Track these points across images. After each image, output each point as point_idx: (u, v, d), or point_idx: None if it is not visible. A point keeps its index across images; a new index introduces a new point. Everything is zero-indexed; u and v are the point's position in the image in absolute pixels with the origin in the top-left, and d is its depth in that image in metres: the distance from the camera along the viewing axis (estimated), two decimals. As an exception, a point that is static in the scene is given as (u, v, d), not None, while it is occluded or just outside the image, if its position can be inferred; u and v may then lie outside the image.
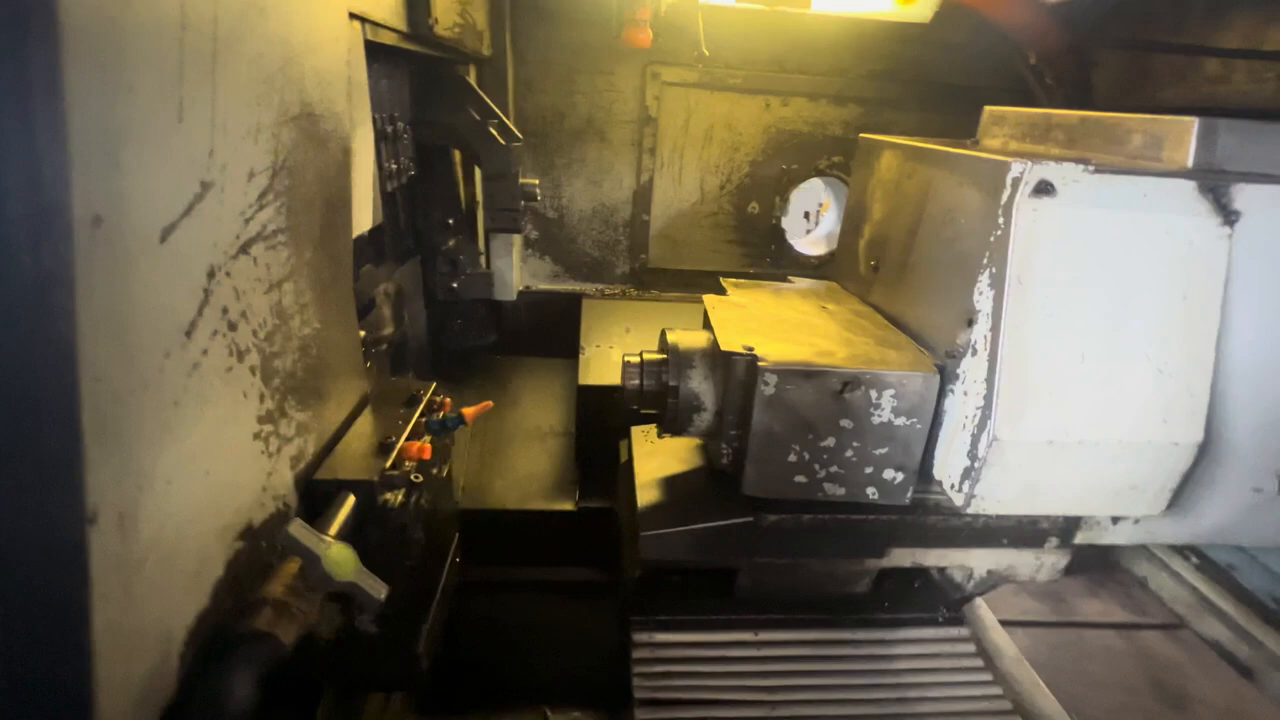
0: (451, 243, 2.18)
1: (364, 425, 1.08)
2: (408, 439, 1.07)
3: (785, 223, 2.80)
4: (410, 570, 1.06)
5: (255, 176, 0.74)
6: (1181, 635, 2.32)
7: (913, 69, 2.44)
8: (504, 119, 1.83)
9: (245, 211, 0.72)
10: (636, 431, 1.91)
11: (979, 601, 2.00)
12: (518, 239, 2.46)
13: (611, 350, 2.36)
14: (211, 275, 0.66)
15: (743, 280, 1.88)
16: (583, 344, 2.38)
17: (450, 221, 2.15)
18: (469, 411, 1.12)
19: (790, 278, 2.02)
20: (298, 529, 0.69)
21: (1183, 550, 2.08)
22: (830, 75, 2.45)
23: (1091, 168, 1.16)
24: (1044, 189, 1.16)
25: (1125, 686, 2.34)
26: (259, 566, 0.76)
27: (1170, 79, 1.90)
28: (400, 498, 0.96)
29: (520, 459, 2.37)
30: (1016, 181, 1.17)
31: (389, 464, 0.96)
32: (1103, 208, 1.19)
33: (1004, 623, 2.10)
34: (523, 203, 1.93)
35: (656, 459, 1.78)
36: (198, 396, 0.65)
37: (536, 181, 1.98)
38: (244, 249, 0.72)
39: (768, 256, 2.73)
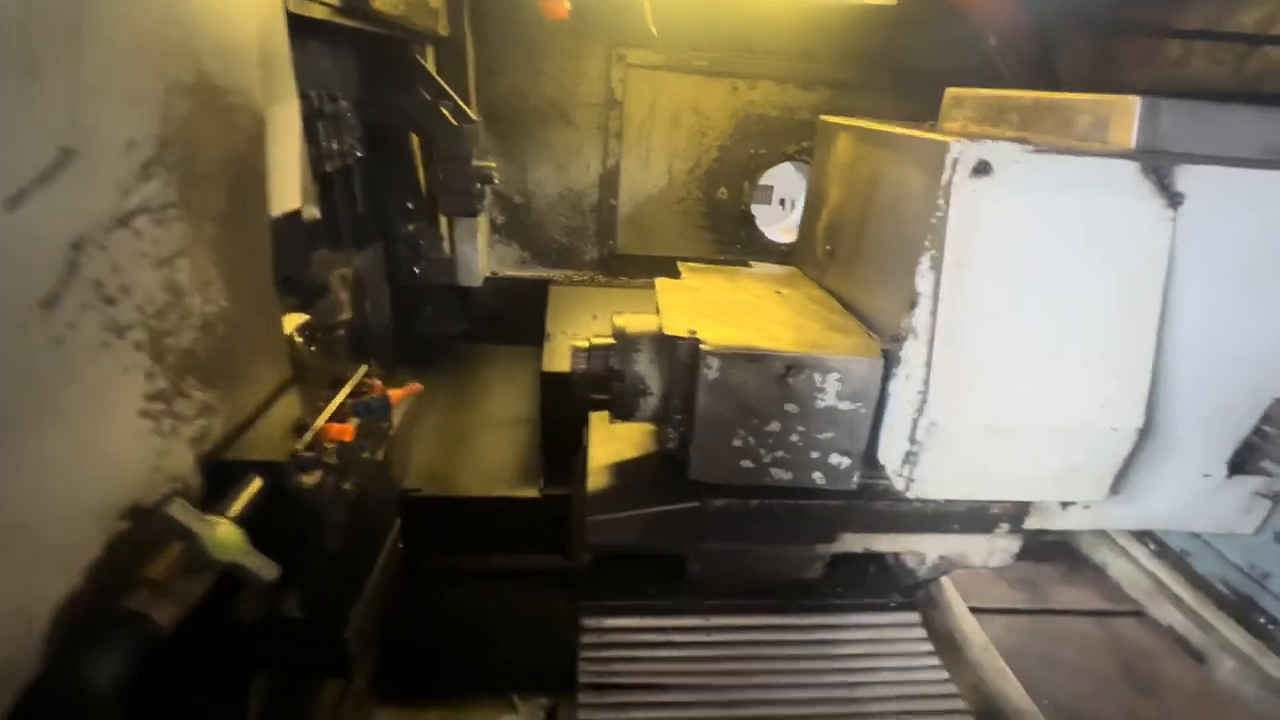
0: (411, 227, 2.15)
1: (286, 408, 1.06)
2: (333, 421, 1.06)
3: (757, 209, 2.78)
4: (332, 554, 1.04)
5: (137, 146, 0.72)
6: (1178, 641, 2.33)
7: (881, 52, 2.41)
8: (456, 99, 1.80)
9: (124, 182, 0.70)
10: (595, 418, 1.90)
11: (948, 588, 2.01)
12: (483, 224, 2.43)
13: (577, 337, 2.34)
14: (79, 246, 0.64)
15: (700, 265, 1.86)
16: (549, 330, 2.37)
17: (410, 206, 2.12)
18: (395, 393, 1.11)
19: (751, 263, 2.00)
20: (176, 508, 0.68)
21: (1141, 538, 2.08)
22: (798, 58, 2.42)
23: (1030, 148, 1.15)
24: (982, 169, 1.15)
25: (1096, 673, 2.36)
26: (152, 547, 0.75)
27: (1134, 62, 1.88)
28: (316, 479, 0.95)
29: (486, 446, 2.36)
30: (955, 162, 1.15)
31: (303, 445, 0.95)
32: (1042, 189, 1.17)
33: (977, 610, 2.11)
34: (479, 185, 1.90)
35: (611, 445, 1.77)
36: (65, 372, 0.63)
37: (494, 164, 1.95)
38: (123, 221, 0.70)
39: (738, 243, 2.71)
